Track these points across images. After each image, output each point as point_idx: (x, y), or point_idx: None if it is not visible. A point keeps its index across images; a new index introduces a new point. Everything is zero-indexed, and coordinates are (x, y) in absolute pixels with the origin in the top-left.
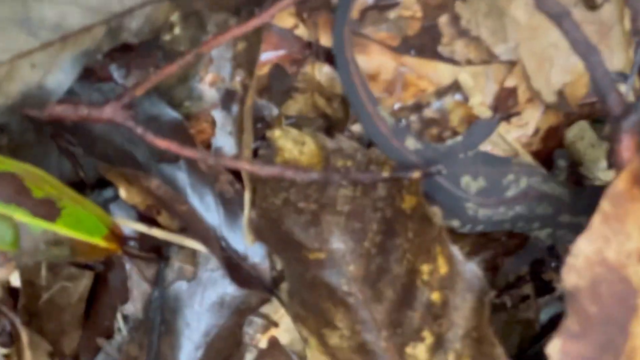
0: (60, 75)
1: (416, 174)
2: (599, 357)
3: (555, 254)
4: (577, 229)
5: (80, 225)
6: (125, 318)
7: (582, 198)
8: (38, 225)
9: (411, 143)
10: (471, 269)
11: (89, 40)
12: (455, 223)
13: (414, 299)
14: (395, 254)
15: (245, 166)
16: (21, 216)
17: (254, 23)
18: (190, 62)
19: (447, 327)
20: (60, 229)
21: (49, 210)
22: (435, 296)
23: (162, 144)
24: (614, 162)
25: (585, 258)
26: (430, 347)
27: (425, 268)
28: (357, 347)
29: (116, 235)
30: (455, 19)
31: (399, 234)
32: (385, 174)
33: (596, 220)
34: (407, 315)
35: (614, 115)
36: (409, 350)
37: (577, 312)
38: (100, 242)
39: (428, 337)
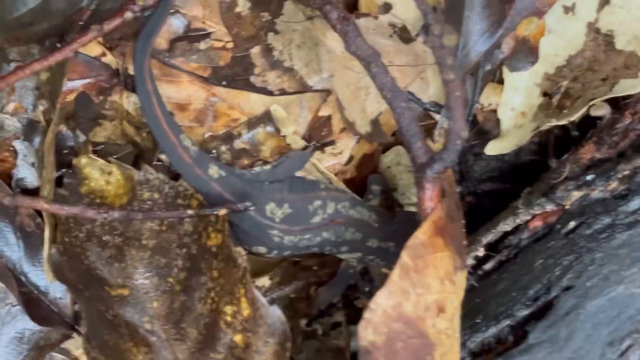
0: None
1: (222, 211)
2: None
3: (369, 279)
4: (386, 254)
5: None
6: None
7: (391, 223)
8: None
9: (214, 171)
10: (274, 313)
11: None
12: (262, 249)
13: (217, 340)
14: (199, 293)
15: (44, 206)
16: None
17: (56, 57)
18: None
19: None
20: None
21: None
22: (238, 338)
23: None
24: (417, 212)
25: (383, 313)
26: None
27: (228, 309)
28: None
29: None
30: (268, 50)
31: (204, 272)
32: (191, 211)
33: (395, 273)
34: (209, 356)
35: (419, 163)
36: None
37: None
38: None
39: None
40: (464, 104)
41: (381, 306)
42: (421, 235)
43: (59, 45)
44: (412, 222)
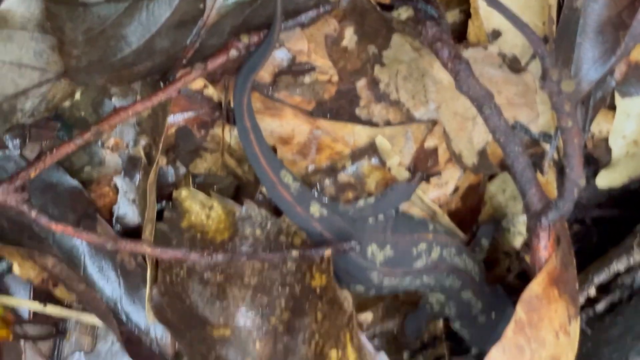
0: None
1: (327, 252)
2: None
3: None
4: (467, 313)
5: None
6: None
7: (489, 289)
8: None
9: (315, 209)
10: None
11: None
12: (360, 288)
13: None
14: (303, 334)
15: (147, 250)
16: None
17: (159, 97)
18: (89, 140)
19: None
20: None
21: None
22: None
23: (57, 228)
24: (530, 262)
25: None
26: None
27: (334, 353)
28: None
29: (7, 322)
30: (374, 83)
31: (307, 314)
32: (295, 253)
33: (510, 329)
34: None
35: (533, 211)
36: None
37: None
38: None
39: None
40: (582, 153)
41: None
42: (536, 287)
43: (161, 83)
44: (506, 303)
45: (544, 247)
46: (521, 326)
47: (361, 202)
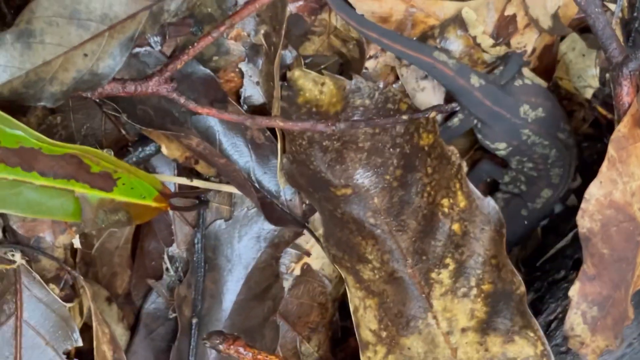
0: (110, 61)
1: (432, 114)
2: (613, 294)
3: None
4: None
5: (134, 191)
6: (171, 259)
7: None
8: (96, 195)
9: (475, 80)
10: (489, 204)
11: (134, 26)
12: (502, 145)
13: (436, 229)
14: (416, 187)
15: (280, 124)
16: (81, 189)
17: None
18: (223, 32)
19: (468, 255)
20: (117, 197)
21: (105, 181)
22: (456, 227)
23: (203, 111)
24: (615, 106)
25: (596, 202)
26: (453, 273)
27: (445, 201)
28: (387, 277)
29: (165, 195)
30: None
31: (418, 169)
32: (405, 116)
33: (604, 166)
34: (430, 244)
35: (615, 62)
36: (433, 275)
37: (592, 256)
38: (152, 204)
39: (451, 264)
40: None
41: (594, 196)
42: (623, 128)
43: None
44: None
45: (627, 93)
46: (613, 162)
47: (497, 72)
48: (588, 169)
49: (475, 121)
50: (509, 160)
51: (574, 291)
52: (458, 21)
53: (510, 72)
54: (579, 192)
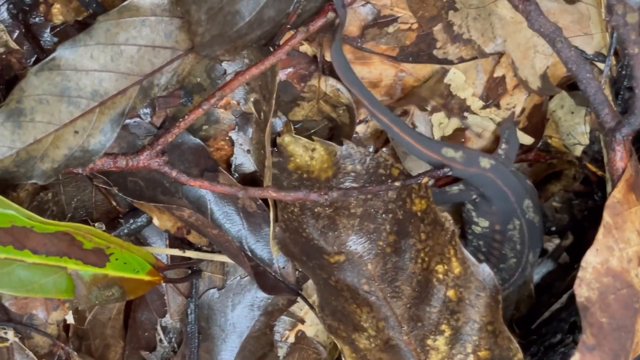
0: (101, 137)
1: (425, 179)
2: None
3: None
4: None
5: (127, 266)
6: (165, 330)
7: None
8: (89, 271)
9: (485, 162)
10: (484, 270)
11: (124, 101)
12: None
13: (431, 296)
14: (409, 253)
15: (273, 194)
16: (74, 265)
17: (271, 60)
18: (214, 104)
19: (464, 321)
20: (110, 272)
21: (98, 257)
22: (451, 293)
23: (195, 184)
24: (608, 172)
25: (593, 270)
26: (449, 340)
27: (440, 268)
28: (383, 345)
29: (158, 268)
30: (449, 26)
31: (411, 235)
32: (398, 182)
33: (600, 233)
34: (425, 310)
35: (607, 128)
36: (429, 342)
37: (591, 325)
38: (146, 277)
39: (447, 331)
40: None
41: (591, 264)
42: (617, 194)
43: (270, 48)
44: None
45: (620, 158)
46: (609, 229)
47: (500, 151)
48: (579, 226)
49: (474, 196)
50: (474, 238)
51: None
52: (444, 84)
53: (513, 150)
54: (571, 250)
